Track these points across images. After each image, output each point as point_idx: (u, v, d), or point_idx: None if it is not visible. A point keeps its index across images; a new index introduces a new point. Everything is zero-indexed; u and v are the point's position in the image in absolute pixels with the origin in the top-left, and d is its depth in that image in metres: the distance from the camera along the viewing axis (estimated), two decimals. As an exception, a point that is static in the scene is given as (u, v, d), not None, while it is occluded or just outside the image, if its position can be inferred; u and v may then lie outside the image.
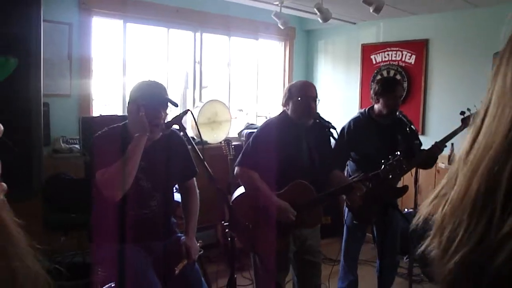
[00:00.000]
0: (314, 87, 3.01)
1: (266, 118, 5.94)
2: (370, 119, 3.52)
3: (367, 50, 5.79)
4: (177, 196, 3.04)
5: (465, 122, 3.42)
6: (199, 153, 2.34)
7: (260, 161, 2.83)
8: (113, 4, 4.52)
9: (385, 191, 3.16)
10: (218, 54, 5.66)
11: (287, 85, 6.19)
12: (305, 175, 2.89)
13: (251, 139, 2.97)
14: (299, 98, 2.89)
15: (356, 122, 3.53)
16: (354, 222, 3.54)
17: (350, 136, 3.49)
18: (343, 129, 3.54)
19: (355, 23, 5.85)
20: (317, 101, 2.97)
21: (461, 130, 3.41)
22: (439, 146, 3.42)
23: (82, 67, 4.38)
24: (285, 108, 3.01)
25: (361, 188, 2.85)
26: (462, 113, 3.44)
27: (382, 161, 2.89)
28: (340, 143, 3.35)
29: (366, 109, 3.59)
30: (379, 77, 5.45)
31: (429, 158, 3.46)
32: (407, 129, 3.39)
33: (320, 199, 2.90)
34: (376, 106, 3.49)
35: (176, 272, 2.48)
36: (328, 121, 2.91)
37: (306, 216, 2.88)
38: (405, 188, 3.50)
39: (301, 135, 2.95)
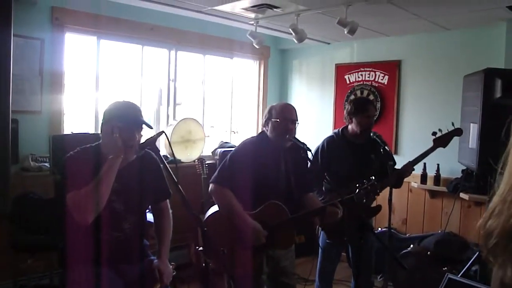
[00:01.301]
0: (295, 110, 3.02)
1: (238, 136, 5.93)
2: (343, 139, 3.55)
3: (341, 70, 5.85)
4: (149, 216, 2.98)
5: (436, 142, 3.46)
6: (172, 175, 2.30)
7: (236, 179, 2.83)
8: (86, 21, 4.46)
9: (358, 211, 3.16)
10: (193, 71, 5.64)
11: (261, 104, 6.25)
12: (280, 195, 2.89)
13: (228, 157, 2.96)
14: (278, 120, 2.91)
15: (329, 142, 3.56)
16: (328, 241, 3.54)
17: (324, 156, 3.52)
18: (317, 149, 3.56)
19: (329, 43, 5.92)
20: (296, 124, 2.98)
21: (433, 151, 3.45)
22: (410, 166, 3.44)
23: (53, 82, 4.29)
24: (264, 129, 3.02)
25: (336, 212, 2.84)
26: (434, 133, 3.48)
27: (357, 185, 2.90)
28: (315, 163, 3.36)
29: (340, 129, 3.62)
30: (352, 97, 5.51)
31: (399, 178, 3.47)
32: (381, 149, 3.42)
33: (293, 220, 2.88)
34: (350, 126, 3.53)
35: None
36: (303, 143, 2.91)
37: (279, 237, 2.86)
38: (378, 208, 3.51)
39: (279, 156, 2.96)
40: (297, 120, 2.99)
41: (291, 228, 2.91)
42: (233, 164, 2.88)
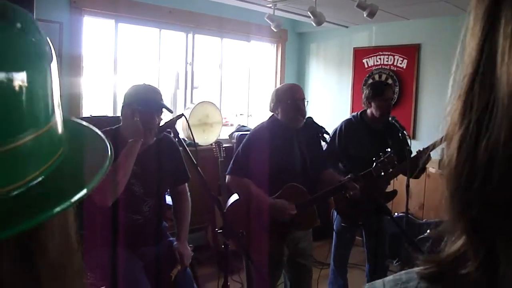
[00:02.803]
0: (301, 89, 3.02)
1: (254, 119, 5.94)
2: (362, 123, 3.55)
3: (359, 54, 5.79)
4: (168, 199, 3.01)
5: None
6: (192, 158, 2.31)
7: (252, 167, 2.82)
8: (104, 4, 4.47)
9: (374, 195, 3.15)
10: (210, 55, 5.64)
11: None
12: (297, 178, 2.89)
13: (241, 146, 2.95)
14: (289, 102, 2.88)
15: (348, 125, 3.55)
16: (342, 225, 3.53)
17: (342, 138, 3.51)
18: (335, 131, 3.55)
19: (347, 27, 5.85)
20: (306, 103, 2.96)
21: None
22: (421, 154, 3.43)
23: (72, 66, 4.33)
24: (273, 113, 3.00)
25: (354, 187, 2.84)
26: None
27: (373, 158, 2.89)
28: (332, 145, 3.36)
29: (359, 113, 3.62)
30: (370, 81, 5.47)
31: (413, 166, 3.42)
32: (399, 134, 3.40)
33: (314, 200, 2.89)
34: (369, 110, 3.52)
35: (172, 278, 2.45)
36: (321, 126, 2.90)
37: (302, 218, 2.87)
38: (394, 192, 3.59)
39: (292, 138, 2.94)
40: (305, 99, 2.96)
41: (312, 209, 2.91)
42: (247, 153, 2.86)
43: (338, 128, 3.55)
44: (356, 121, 3.56)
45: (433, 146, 3.37)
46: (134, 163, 2.35)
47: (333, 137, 3.45)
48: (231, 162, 2.93)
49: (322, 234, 5.46)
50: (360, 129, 3.52)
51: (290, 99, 2.88)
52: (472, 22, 0.47)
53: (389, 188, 3.71)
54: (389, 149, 3.01)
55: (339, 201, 3.36)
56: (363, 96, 3.60)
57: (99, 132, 0.62)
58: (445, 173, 0.50)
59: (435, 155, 4.13)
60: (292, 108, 2.88)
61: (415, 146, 3.68)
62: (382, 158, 2.83)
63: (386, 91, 3.50)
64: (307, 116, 2.96)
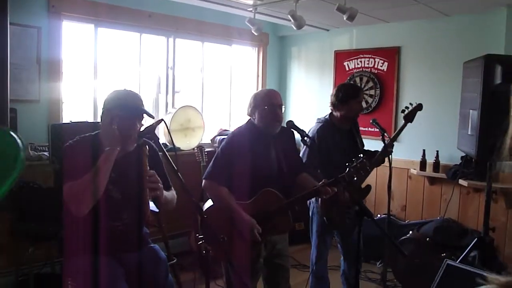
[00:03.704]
0: (279, 95, 3.03)
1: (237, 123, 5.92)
2: (333, 126, 3.59)
3: (340, 57, 5.83)
4: (151, 205, 2.98)
5: (405, 119, 3.60)
6: (172, 163, 2.29)
7: (229, 172, 2.83)
8: (83, 9, 4.43)
9: (352, 192, 3.17)
10: (191, 59, 5.61)
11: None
12: (273, 182, 2.90)
13: (218, 150, 2.97)
14: (266, 107, 2.90)
15: (321, 131, 3.55)
16: (326, 221, 3.51)
17: (322, 144, 3.48)
18: (312, 139, 3.53)
19: (328, 30, 5.89)
20: (283, 108, 2.98)
21: (404, 127, 3.60)
22: (389, 146, 3.56)
23: (51, 71, 4.27)
24: (251, 118, 3.02)
25: (328, 192, 2.84)
26: (403, 111, 3.65)
27: (347, 164, 2.92)
28: (313, 153, 3.34)
29: (327, 117, 3.65)
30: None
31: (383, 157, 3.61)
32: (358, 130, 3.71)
33: (289, 205, 2.90)
34: (337, 113, 3.58)
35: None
36: (303, 130, 2.91)
37: (276, 223, 2.89)
38: (368, 188, 3.66)
39: (269, 143, 2.97)
40: (282, 105, 2.99)
41: (287, 213, 2.93)
42: (224, 157, 2.88)
43: (316, 136, 3.51)
44: (328, 125, 3.58)
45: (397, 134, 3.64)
46: (112, 169, 2.32)
47: (312, 146, 3.44)
48: (209, 166, 2.93)
49: (306, 237, 5.48)
50: (333, 133, 3.56)
51: (267, 104, 2.90)
52: None
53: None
54: (362, 155, 3.06)
55: (325, 204, 3.37)
56: (333, 98, 3.59)
57: (7, 129, 0.60)
58: None
59: (417, 157, 4.17)
60: (268, 113, 2.90)
61: (396, 148, 3.74)
62: (354, 164, 2.85)
63: (360, 92, 3.63)
64: (288, 120, 2.97)
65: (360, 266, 3.78)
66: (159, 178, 2.36)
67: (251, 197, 2.88)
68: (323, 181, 2.83)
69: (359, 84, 5.51)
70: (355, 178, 2.99)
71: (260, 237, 2.81)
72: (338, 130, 3.58)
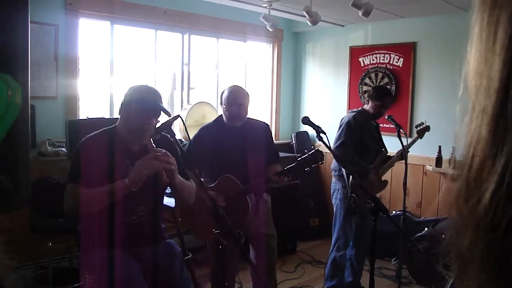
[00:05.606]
0: (242, 93, 3.33)
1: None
2: (367, 116, 3.92)
3: (355, 52, 5.80)
4: (166, 200, 3.01)
5: (419, 134, 4.04)
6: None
7: (196, 159, 3.16)
8: (100, 6, 4.47)
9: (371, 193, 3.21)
10: (206, 55, 5.64)
11: (275, 87, 6.26)
12: (237, 169, 3.18)
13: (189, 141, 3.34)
14: (224, 106, 3.29)
15: (358, 116, 3.88)
16: (353, 199, 3.57)
17: (358, 130, 3.81)
18: (349, 122, 3.82)
19: (343, 26, 5.86)
20: (246, 105, 3.30)
21: (416, 141, 4.03)
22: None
23: (68, 68, 4.33)
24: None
25: (278, 180, 3.07)
26: (417, 126, 4.11)
27: (305, 151, 3.10)
28: (350, 135, 3.73)
29: (361, 109, 3.99)
30: (367, 80, 5.53)
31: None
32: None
33: (244, 191, 3.15)
34: (372, 104, 3.89)
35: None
36: (318, 126, 2.91)
37: (236, 206, 3.14)
38: (384, 183, 3.97)
39: (233, 135, 3.29)
40: (244, 103, 3.28)
41: (245, 198, 3.15)
42: (191, 148, 3.31)
43: (351, 121, 3.80)
44: (363, 114, 3.91)
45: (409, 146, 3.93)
46: (129, 163, 2.36)
47: (348, 128, 3.77)
48: None
49: (321, 233, 5.48)
50: (368, 121, 3.93)
51: (226, 103, 3.27)
52: (489, 28, 0.41)
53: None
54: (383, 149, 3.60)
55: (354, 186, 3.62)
56: (371, 91, 4.00)
57: None
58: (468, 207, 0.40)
59: (433, 153, 4.13)
60: (225, 111, 3.30)
61: (413, 145, 3.78)
62: (306, 155, 3.00)
63: (391, 92, 4.12)
64: (303, 116, 3.01)
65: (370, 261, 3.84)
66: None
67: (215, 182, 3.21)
68: (278, 170, 3.10)
69: (374, 80, 5.52)
70: (307, 169, 3.07)
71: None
72: (370, 123, 3.96)
